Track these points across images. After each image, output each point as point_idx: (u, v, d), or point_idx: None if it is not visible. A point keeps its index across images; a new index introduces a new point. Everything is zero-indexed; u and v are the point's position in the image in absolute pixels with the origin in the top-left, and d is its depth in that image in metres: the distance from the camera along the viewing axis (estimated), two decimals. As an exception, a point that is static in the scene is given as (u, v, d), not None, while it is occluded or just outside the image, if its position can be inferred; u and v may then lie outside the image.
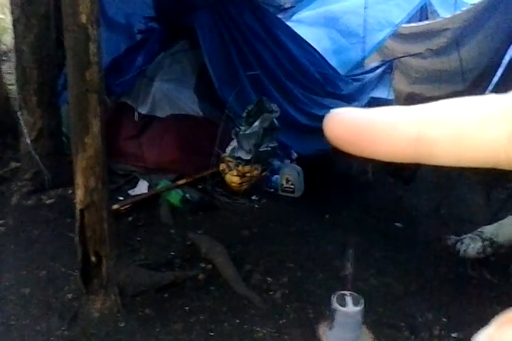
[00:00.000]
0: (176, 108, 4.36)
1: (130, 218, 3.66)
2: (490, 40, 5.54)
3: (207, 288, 2.83)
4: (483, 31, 5.50)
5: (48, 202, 3.87)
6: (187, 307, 2.64)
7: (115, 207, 3.56)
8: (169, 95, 4.36)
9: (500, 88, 5.46)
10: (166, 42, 4.52)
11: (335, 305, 2.33)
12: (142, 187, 4.11)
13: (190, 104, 4.39)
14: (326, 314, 2.49)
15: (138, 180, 4.21)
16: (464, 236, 3.22)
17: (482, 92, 5.79)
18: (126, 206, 3.73)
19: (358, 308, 2.33)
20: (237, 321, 2.55)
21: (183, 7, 4.28)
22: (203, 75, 4.41)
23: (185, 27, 4.34)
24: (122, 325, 2.47)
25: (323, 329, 2.46)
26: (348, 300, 2.35)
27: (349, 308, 2.32)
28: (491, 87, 5.73)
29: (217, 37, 4.44)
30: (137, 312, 2.58)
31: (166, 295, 2.73)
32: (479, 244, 3.13)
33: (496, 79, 5.66)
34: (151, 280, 2.80)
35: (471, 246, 3.13)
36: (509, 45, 5.59)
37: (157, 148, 4.25)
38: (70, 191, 3.76)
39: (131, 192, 4.05)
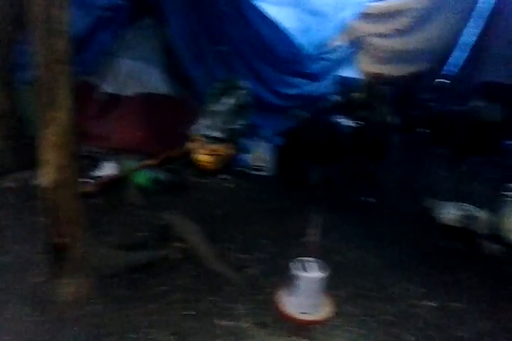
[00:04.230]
0: (143, 86, 4.23)
1: (98, 200, 3.55)
2: (452, 21, 5.64)
3: (182, 267, 2.79)
4: (446, 11, 5.59)
5: (9, 185, 3.71)
6: (162, 287, 2.60)
7: (82, 189, 3.43)
8: (136, 73, 4.22)
9: (465, 71, 5.60)
10: (131, 19, 4.35)
11: (296, 271, 2.29)
12: (108, 169, 3.98)
13: (157, 82, 4.27)
14: (285, 281, 2.43)
15: (103, 162, 4.07)
16: (445, 202, 3.28)
17: (439, 73, 5.94)
18: (94, 188, 3.61)
19: (321, 274, 2.29)
20: (214, 299, 2.53)
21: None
22: (171, 53, 4.29)
23: (151, 3, 4.20)
24: (96, 307, 2.41)
25: (281, 296, 2.42)
26: (310, 266, 2.32)
27: (311, 274, 2.28)
28: (456, 70, 5.86)
29: (184, 14, 4.31)
30: (111, 294, 2.51)
31: (141, 275, 2.67)
32: (461, 213, 3.18)
33: (460, 62, 5.80)
34: (125, 261, 2.74)
35: (452, 212, 3.18)
36: (465, 26, 5.72)
37: (124, 127, 4.13)
38: (31, 174, 3.61)
39: (97, 174, 3.91)
